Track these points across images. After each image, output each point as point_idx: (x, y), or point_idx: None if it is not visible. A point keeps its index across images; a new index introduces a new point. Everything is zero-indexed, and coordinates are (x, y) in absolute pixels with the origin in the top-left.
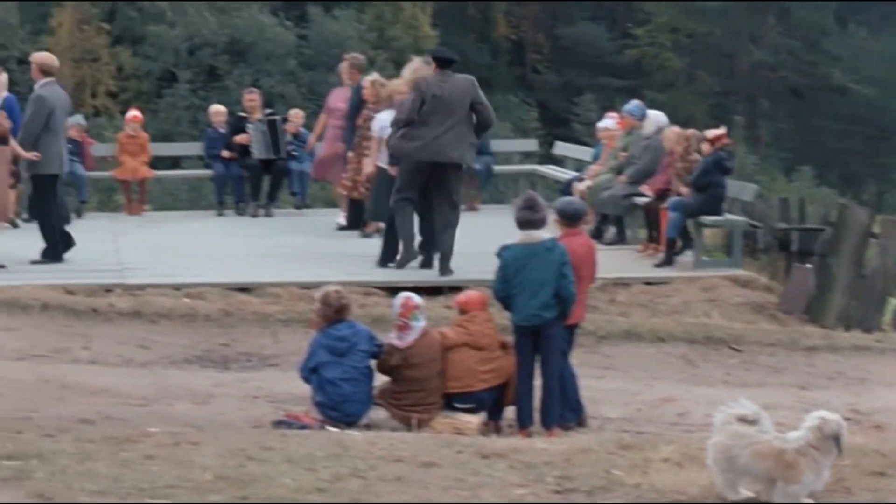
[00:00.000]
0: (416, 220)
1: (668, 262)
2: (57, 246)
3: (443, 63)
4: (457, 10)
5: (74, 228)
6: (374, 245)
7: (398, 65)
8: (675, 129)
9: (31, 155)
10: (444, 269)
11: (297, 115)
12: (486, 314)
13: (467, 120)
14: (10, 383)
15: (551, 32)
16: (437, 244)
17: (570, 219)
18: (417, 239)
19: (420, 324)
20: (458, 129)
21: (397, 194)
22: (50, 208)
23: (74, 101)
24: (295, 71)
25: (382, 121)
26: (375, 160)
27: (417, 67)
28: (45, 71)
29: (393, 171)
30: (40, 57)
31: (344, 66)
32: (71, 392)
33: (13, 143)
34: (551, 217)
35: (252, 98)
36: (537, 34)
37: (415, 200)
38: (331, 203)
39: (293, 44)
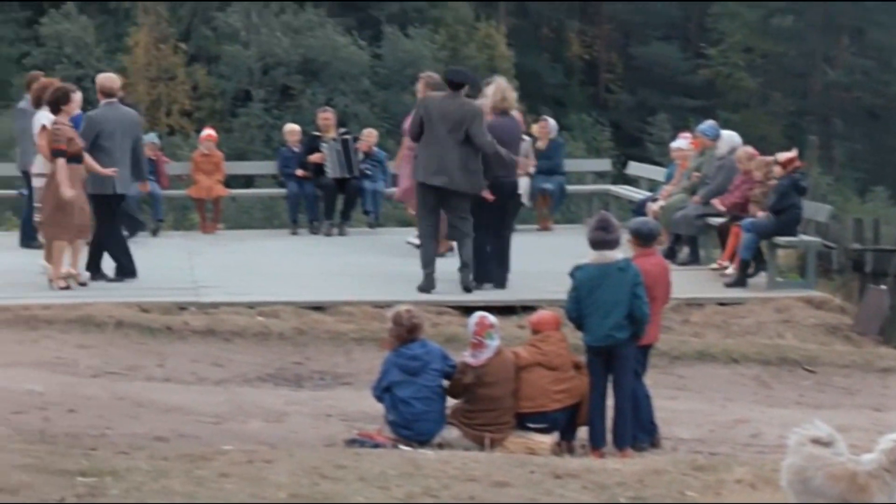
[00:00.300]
0: (435, 244)
1: (741, 282)
2: (126, 261)
3: (452, 85)
4: (530, 30)
5: (150, 246)
6: (447, 263)
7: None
8: (748, 149)
9: (109, 171)
10: (465, 278)
11: (370, 134)
12: (560, 334)
13: (467, 145)
14: (84, 400)
15: (624, 52)
16: (459, 256)
17: (643, 239)
18: None
19: (495, 343)
20: (455, 154)
21: (419, 221)
22: (104, 228)
23: (149, 120)
24: (369, 90)
25: None
26: None
27: (503, 87)
28: (104, 92)
29: (487, 194)
30: (100, 79)
31: (419, 85)
32: (145, 409)
33: (89, 160)
34: (625, 237)
35: (326, 117)
36: (610, 54)
37: (435, 226)
38: (404, 222)
39: (367, 63)
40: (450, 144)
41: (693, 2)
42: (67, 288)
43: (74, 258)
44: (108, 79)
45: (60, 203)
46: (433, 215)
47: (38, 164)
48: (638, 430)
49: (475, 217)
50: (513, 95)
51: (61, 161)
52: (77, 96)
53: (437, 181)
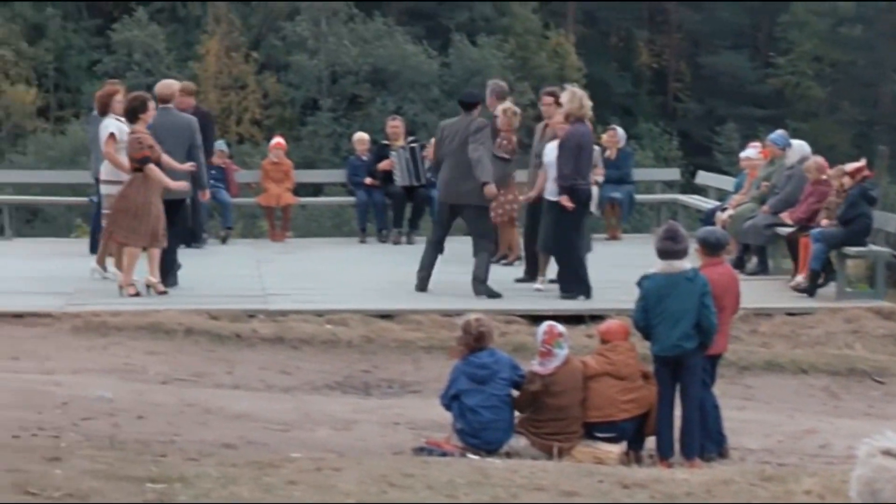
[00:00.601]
0: (435, 254)
1: (810, 292)
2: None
3: (465, 106)
4: (599, 39)
5: (219, 254)
6: (516, 273)
7: (537, 92)
8: (818, 159)
9: (188, 166)
10: (477, 289)
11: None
12: (629, 343)
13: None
14: (154, 407)
15: (693, 61)
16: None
17: (711, 248)
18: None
19: (563, 352)
20: (460, 169)
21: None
22: None
23: (220, 128)
24: (438, 99)
25: (549, 153)
26: (540, 191)
27: (580, 95)
28: (160, 99)
29: (566, 201)
30: (157, 86)
31: (486, 92)
32: (214, 416)
33: (169, 161)
34: (693, 247)
35: (395, 125)
36: (679, 63)
37: (440, 238)
38: None
39: (436, 72)
40: (458, 160)
41: (763, 2)
42: (137, 295)
43: (152, 266)
44: (163, 85)
45: (133, 208)
46: (440, 228)
47: (106, 171)
48: (706, 441)
49: (551, 227)
50: (588, 103)
51: (152, 166)
52: (151, 104)
53: (448, 199)
